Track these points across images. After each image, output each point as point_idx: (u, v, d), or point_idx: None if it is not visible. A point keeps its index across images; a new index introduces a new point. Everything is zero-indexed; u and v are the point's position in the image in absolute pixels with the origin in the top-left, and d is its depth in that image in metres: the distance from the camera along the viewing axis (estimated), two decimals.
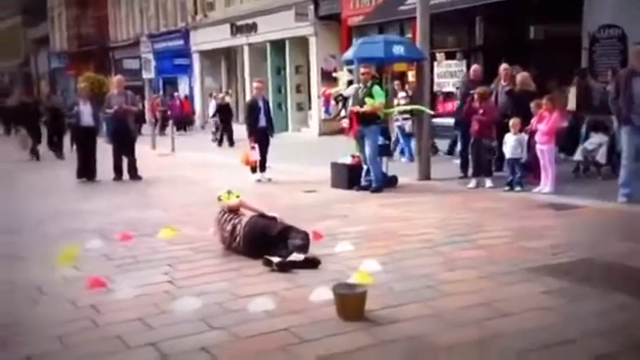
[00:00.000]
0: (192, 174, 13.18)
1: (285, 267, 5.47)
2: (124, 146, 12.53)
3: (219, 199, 6.48)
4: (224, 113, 20.07)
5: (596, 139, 9.90)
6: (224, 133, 19.87)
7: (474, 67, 11.52)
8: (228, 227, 6.14)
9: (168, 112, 24.83)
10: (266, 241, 5.88)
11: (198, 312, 4.56)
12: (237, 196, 6.47)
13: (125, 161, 12.58)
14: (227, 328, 4.26)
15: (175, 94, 29.01)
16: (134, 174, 12.58)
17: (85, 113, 12.48)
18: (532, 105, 9.11)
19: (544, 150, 8.88)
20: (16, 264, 6.19)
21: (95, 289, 5.20)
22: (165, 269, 5.77)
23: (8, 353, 4.01)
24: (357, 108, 9.93)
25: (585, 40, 13.31)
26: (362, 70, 10.22)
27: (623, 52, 12.27)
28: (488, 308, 4.48)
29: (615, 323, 4.14)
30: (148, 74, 21.96)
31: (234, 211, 6.30)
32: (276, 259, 5.54)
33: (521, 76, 9.95)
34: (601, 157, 9.77)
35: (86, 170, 12.44)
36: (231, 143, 18.98)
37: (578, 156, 10.06)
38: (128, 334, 4.21)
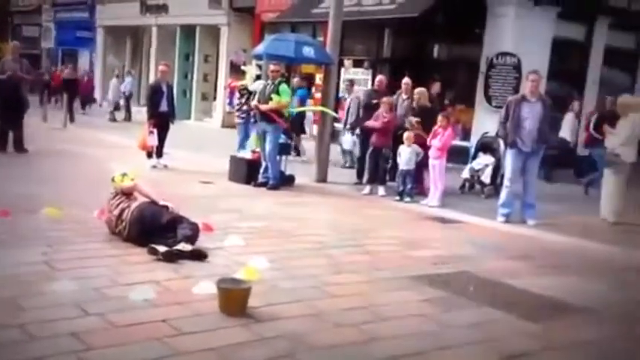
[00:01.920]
0: (84, 152, 12.67)
1: (171, 257, 5.38)
2: (12, 116, 11.85)
3: (113, 180, 6.26)
4: None
5: (484, 160, 10.41)
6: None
7: (379, 77, 11.79)
8: (116, 211, 5.96)
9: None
10: (154, 228, 5.75)
11: (74, 296, 4.41)
12: (132, 179, 6.29)
13: (11, 131, 11.90)
14: (103, 315, 4.13)
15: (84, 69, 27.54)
16: (20, 146, 11.91)
17: None
18: (439, 118, 9.40)
19: (435, 165, 9.22)
20: None
21: None
22: (44, 249, 5.52)
23: None
24: (263, 106, 9.91)
25: (483, 65, 13.97)
26: (272, 67, 10.21)
27: (518, 79, 12.98)
28: (368, 312, 4.61)
29: (486, 335, 4.37)
30: (47, 44, 20.89)
31: (126, 194, 6.12)
32: (162, 248, 5.43)
33: (419, 91, 10.29)
34: (486, 177, 10.28)
35: None
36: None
37: (465, 174, 10.54)
38: None
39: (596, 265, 6.59)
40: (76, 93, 19.64)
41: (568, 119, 12.73)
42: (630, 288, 5.87)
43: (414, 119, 9.78)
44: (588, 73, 15.22)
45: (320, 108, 11.29)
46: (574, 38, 14.86)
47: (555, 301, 5.23)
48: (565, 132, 12.58)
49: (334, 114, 10.91)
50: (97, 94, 26.76)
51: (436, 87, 11.87)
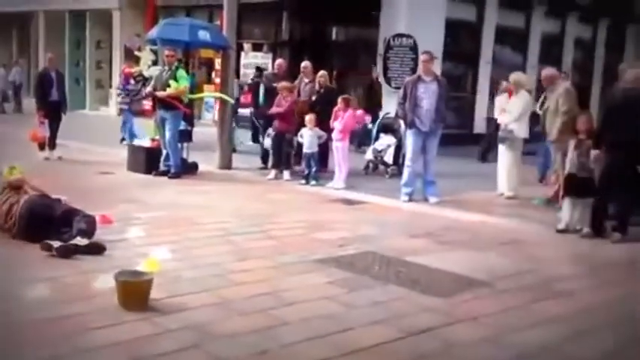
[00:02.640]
0: None
1: (67, 252, 5.12)
2: None
3: (0, 174, 5.91)
4: None
5: (385, 141, 10.60)
6: None
7: (279, 61, 11.75)
8: (5, 207, 5.61)
9: None
10: (46, 223, 5.45)
11: None
12: (21, 172, 5.95)
13: None
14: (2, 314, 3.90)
15: None
16: None
17: None
18: (339, 101, 9.46)
19: (339, 147, 9.30)
20: None
21: None
22: None
23: None
24: (160, 93, 9.62)
25: (381, 47, 14.19)
26: (167, 52, 9.94)
27: (415, 60, 13.28)
28: (274, 297, 4.58)
29: (390, 313, 4.44)
30: None
31: (15, 188, 5.78)
32: (56, 244, 5.16)
33: (322, 74, 10.34)
34: (389, 157, 10.47)
35: None
36: None
37: (369, 155, 10.69)
38: None
39: (495, 240, 6.83)
40: None
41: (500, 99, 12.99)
42: (530, 261, 6.10)
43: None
44: (481, 52, 15.81)
45: (217, 94, 11.10)
46: (466, 19, 15.39)
47: (459, 276, 5.39)
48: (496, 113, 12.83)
49: (231, 100, 10.75)
50: None
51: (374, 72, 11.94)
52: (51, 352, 3.49)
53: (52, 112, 11.00)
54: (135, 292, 4.22)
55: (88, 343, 3.62)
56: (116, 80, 20.09)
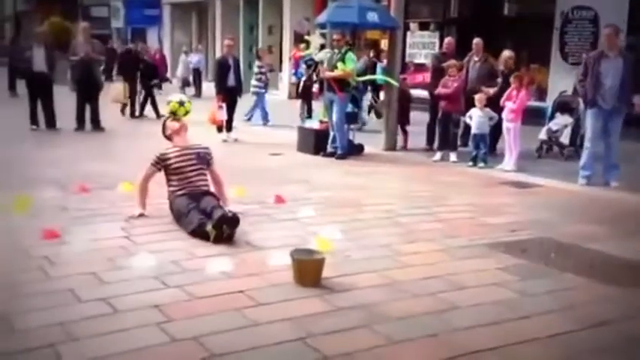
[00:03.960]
0: (158, 129, 12.90)
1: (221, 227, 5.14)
2: (88, 95, 12.23)
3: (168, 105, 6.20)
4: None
5: (561, 120, 10.01)
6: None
7: (447, 39, 11.47)
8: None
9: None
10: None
11: (154, 269, 4.51)
12: (187, 112, 6.13)
13: (88, 111, 12.30)
14: (182, 287, 4.21)
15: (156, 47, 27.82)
16: (97, 125, 12.32)
17: (38, 58, 11.96)
18: (511, 80, 9.08)
19: (510, 128, 8.93)
20: None
21: (49, 240, 5.10)
22: (123, 224, 5.67)
23: None
24: (328, 74, 9.83)
25: (557, 20, 13.37)
26: (335, 36, 10.12)
27: (595, 34, 12.38)
28: (444, 281, 4.51)
29: (566, 302, 4.21)
30: (117, 23, 21.33)
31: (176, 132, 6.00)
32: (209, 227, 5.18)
33: (511, 56, 9.98)
34: (565, 138, 9.88)
35: (47, 118, 12.12)
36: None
37: (542, 135, 10.16)
38: (80, 288, 4.13)
39: None
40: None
41: None
42: None
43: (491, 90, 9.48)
44: None
45: (383, 77, 11.08)
46: None
47: None
48: None
49: (396, 83, 10.68)
50: (168, 71, 27.17)
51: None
52: (223, 323, 3.69)
53: (230, 96, 11.62)
54: (309, 270, 4.35)
55: (261, 317, 3.79)
56: (286, 65, 20.90)
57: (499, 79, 9.71)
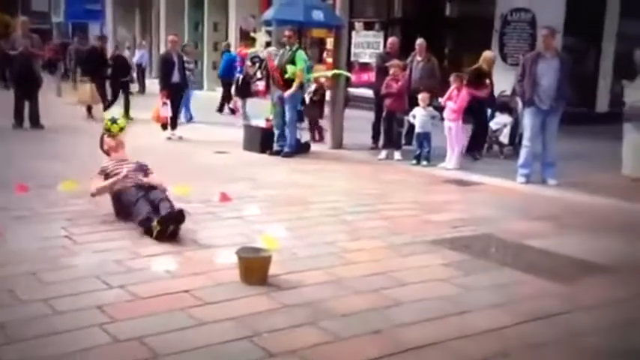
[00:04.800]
0: (98, 126, 12.64)
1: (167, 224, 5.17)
2: (27, 91, 11.87)
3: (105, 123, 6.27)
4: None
5: (501, 120, 10.26)
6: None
7: (391, 39, 11.61)
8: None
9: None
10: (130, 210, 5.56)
11: (96, 269, 4.43)
12: (122, 129, 6.20)
13: (27, 108, 11.94)
14: (125, 287, 4.16)
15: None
16: (36, 122, 11.97)
17: None
18: (451, 79, 9.28)
19: (452, 127, 9.12)
20: None
21: None
22: (64, 224, 5.55)
23: None
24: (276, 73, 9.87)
25: (497, 22, 13.71)
26: (287, 32, 10.13)
27: (533, 35, 12.74)
28: (388, 277, 4.59)
29: (508, 297, 4.34)
30: (57, 18, 20.74)
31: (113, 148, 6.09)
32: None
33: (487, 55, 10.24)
34: (504, 137, 10.15)
35: None
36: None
37: None
38: (20, 288, 4.04)
39: (620, 224, 6.49)
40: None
41: None
42: None
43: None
44: (605, 26, 14.87)
45: (333, 71, 11.16)
46: None
47: (580, 261, 5.17)
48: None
49: (348, 74, 10.76)
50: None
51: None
52: (167, 323, 3.67)
53: (174, 93, 11.49)
54: (256, 268, 4.36)
55: (206, 316, 3.78)
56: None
57: (451, 78, 9.89)
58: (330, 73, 11.75)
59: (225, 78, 15.29)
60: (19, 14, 26.15)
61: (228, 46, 17.05)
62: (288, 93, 9.80)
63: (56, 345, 3.34)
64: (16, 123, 11.80)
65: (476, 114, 9.79)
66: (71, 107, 14.80)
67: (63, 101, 16.79)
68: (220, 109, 15.62)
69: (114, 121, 6.23)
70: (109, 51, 15.63)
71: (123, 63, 14.85)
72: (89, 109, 14.11)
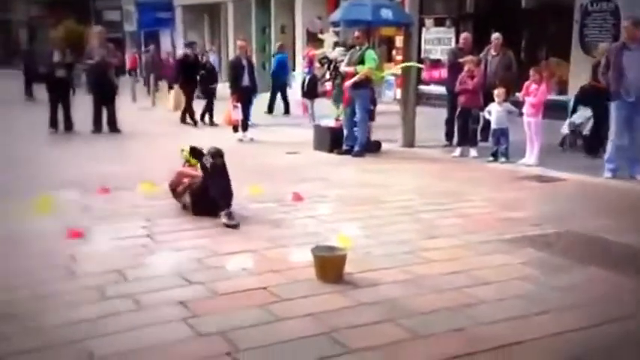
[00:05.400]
0: (173, 130, 13.00)
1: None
2: (104, 98, 12.32)
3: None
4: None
5: (585, 113, 9.88)
6: None
7: (464, 35, 11.40)
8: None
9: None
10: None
11: (176, 267, 4.52)
12: (185, 157, 6.47)
13: (105, 113, 12.38)
14: (205, 283, 4.22)
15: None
16: (113, 127, 12.39)
17: (58, 63, 12.23)
18: (530, 73, 9.03)
19: (531, 122, 8.86)
20: None
21: (74, 239, 5.13)
22: (144, 223, 5.70)
23: None
24: (348, 69, 9.88)
25: (577, 13, 13.24)
26: (356, 33, 10.14)
27: (616, 26, 12.23)
28: (466, 276, 4.48)
29: (590, 296, 4.17)
30: (130, 27, 21.41)
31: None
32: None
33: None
34: (588, 131, 9.76)
35: (66, 121, 12.28)
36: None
37: (565, 129, 10.05)
38: (105, 285, 4.16)
39: None
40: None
41: None
42: None
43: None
44: None
45: (402, 64, 11.03)
46: None
47: None
48: None
49: (418, 65, 10.60)
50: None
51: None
52: (247, 318, 3.69)
53: (244, 96, 11.65)
54: (331, 266, 4.34)
55: (285, 312, 3.79)
56: (299, 64, 20.88)
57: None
58: (399, 68, 11.62)
59: (277, 78, 15.36)
60: (92, 24, 27.14)
61: (282, 47, 17.10)
62: (347, 84, 9.85)
63: (142, 338, 3.42)
64: (95, 128, 12.26)
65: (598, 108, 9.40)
66: (147, 112, 15.22)
67: (138, 106, 17.33)
68: (270, 110, 15.63)
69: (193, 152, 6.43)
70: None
71: (211, 70, 15.12)
72: (184, 113, 14.20)
